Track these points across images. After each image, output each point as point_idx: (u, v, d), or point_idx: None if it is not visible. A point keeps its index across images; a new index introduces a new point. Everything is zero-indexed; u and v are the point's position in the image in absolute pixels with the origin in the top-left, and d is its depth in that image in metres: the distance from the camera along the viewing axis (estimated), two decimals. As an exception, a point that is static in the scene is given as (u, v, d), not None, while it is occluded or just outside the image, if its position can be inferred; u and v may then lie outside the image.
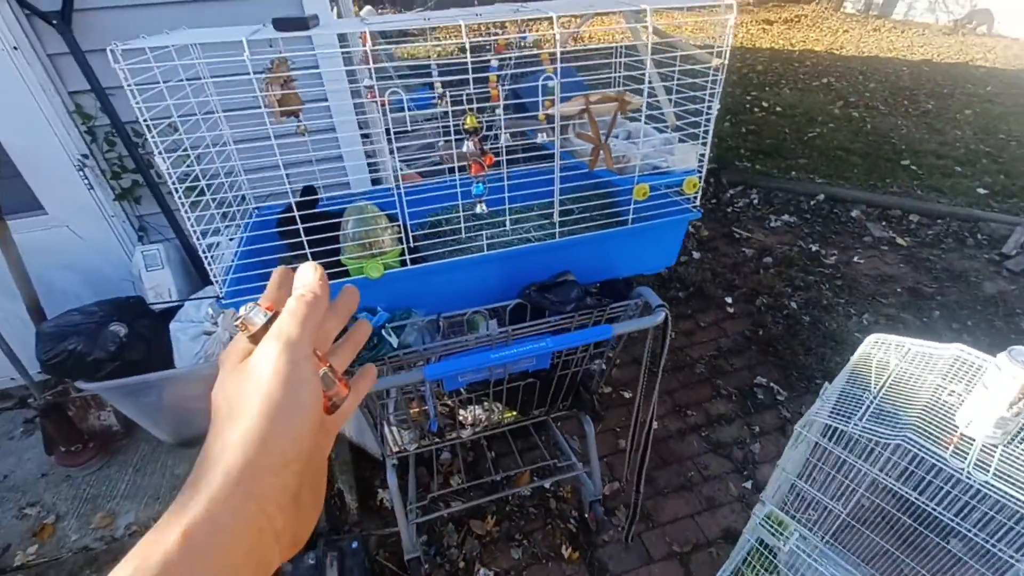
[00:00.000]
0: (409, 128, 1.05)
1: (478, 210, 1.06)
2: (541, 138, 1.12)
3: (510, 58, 1.13)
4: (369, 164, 2.02)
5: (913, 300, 3.00)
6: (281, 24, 0.85)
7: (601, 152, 1.08)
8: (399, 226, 1.18)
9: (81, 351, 1.65)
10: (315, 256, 1.30)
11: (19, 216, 1.82)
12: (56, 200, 1.84)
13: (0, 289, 1.91)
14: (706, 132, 1.18)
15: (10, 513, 1.85)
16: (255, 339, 0.32)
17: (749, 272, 3.26)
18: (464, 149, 0.99)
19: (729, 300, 3.03)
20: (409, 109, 1.04)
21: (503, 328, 1.17)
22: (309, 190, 1.30)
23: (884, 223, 3.72)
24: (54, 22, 1.54)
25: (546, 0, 1.13)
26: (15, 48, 1.58)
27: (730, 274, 3.25)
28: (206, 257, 1.04)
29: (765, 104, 5.85)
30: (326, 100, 1.77)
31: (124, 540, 1.75)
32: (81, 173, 1.81)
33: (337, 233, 1.19)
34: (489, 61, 1.04)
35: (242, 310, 0.32)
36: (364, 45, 1.15)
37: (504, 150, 1.10)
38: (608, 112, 1.08)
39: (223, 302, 1.03)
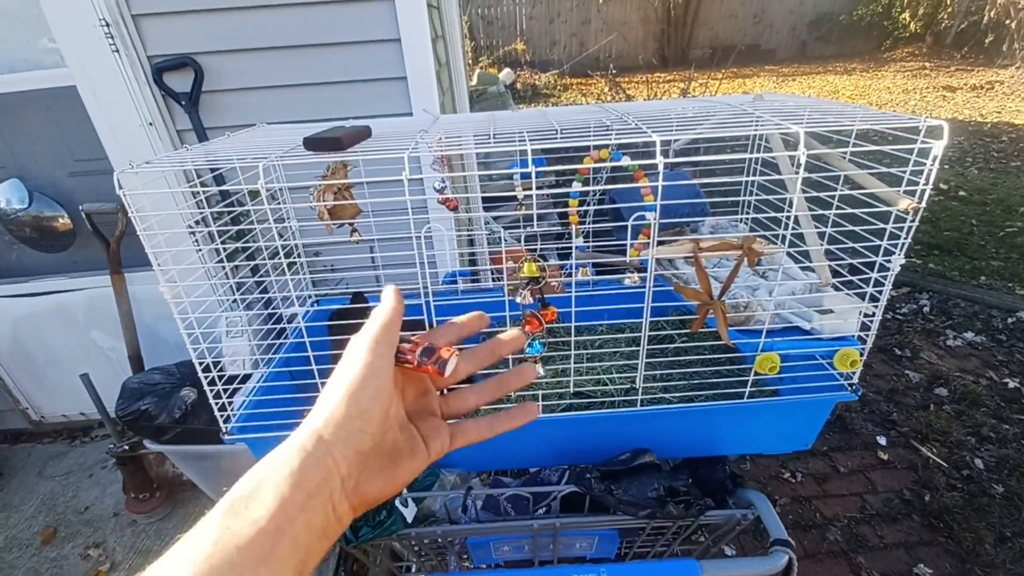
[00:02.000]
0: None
1: (530, 372, 0.80)
2: (628, 281, 0.85)
3: (600, 176, 0.88)
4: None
5: None
6: (312, 144, 0.70)
7: (711, 311, 0.78)
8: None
9: (152, 412, 1.66)
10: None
11: (137, 270, 1.96)
12: (168, 258, 1.94)
13: (115, 332, 2.06)
14: (879, 291, 0.82)
15: (78, 550, 1.91)
16: None
17: (913, 406, 2.55)
18: (518, 299, 0.76)
19: (882, 441, 2.37)
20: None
21: (547, 518, 0.89)
22: (358, 297, 1.15)
23: (1124, 362, 2.75)
24: (183, 103, 1.65)
25: (661, 107, 0.89)
26: (150, 124, 1.71)
27: (885, 404, 2.58)
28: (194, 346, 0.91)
29: (944, 186, 4.91)
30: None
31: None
32: (192, 237, 1.90)
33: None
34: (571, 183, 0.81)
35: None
36: (443, 164, 0.98)
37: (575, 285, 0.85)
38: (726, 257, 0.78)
39: (227, 438, 0.89)
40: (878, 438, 2.39)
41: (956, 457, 2.25)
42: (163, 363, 1.95)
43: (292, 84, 1.72)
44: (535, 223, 0.73)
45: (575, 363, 1.02)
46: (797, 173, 0.73)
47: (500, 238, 2.42)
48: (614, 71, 10.35)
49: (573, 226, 0.84)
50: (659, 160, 0.68)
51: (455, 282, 1.49)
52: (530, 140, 0.71)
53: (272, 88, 1.71)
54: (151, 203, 0.80)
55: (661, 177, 0.69)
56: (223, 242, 1.00)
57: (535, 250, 0.74)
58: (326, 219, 1.00)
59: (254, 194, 1.20)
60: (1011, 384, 2.63)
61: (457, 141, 0.77)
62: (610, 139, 0.77)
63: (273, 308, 1.17)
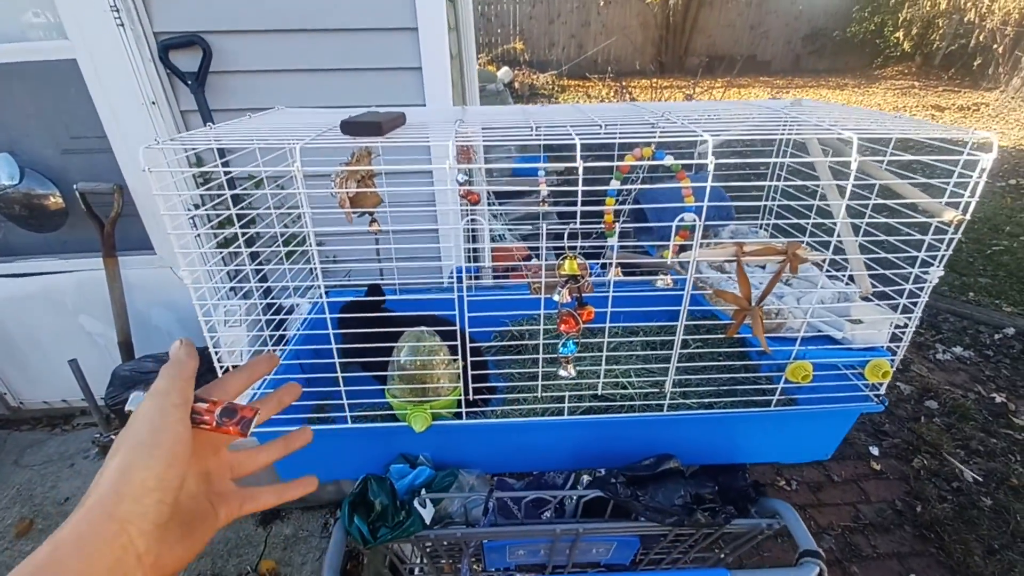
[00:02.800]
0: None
1: (563, 373, 0.79)
2: (661, 282, 0.83)
3: (636, 175, 0.86)
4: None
5: None
6: (351, 128, 0.67)
7: (748, 317, 0.77)
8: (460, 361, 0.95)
9: (144, 402, 1.61)
10: (372, 366, 1.11)
11: (131, 253, 1.90)
12: (165, 242, 1.89)
13: (103, 317, 1.99)
14: (914, 302, 0.82)
15: (58, 543, 1.84)
16: None
17: (904, 417, 2.59)
18: (556, 297, 0.73)
19: (875, 452, 2.40)
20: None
21: (570, 522, 0.87)
22: (375, 290, 1.12)
23: (1106, 381, 2.82)
24: (189, 83, 1.59)
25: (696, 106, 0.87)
26: (153, 103, 1.65)
27: (878, 415, 2.61)
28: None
29: (933, 203, 5.00)
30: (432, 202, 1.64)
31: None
32: (191, 221, 1.84)
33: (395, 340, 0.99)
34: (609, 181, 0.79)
35: (132, 396, 0.42)
36: (464, 158, 0.96)
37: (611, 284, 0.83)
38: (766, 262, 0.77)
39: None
40: (871, 448, 2.42)
41: (946, 470, 2.29)
42: (154, 351, 1.89)
43: (303, 69, 1.67)
44: (578, 220, 0.71)
45: (592, 365, 1.00)
46: (839, 180, 0.72)
47: (510, 235, 2.39)
48: (612, 74, 10.38)
49: (610, 225, 0.82)
50: (710, 160, 0.66)
51: (462, 279, 1.46)
52: (577, 135, 0.68)
53: (282, 72, 1.67)
54: (166, 184, 0.76)
55: (711, 178, 0.68)
56: (241, 227, 0.96)
57: (574, 247, 0.71)
58: (347, 207, 0.97)
59: (270, 179, 1.16)
60: (998, 399, 2.68)
61: (500, 133, 0.74)
62: (655, 136, 0.75)
63: (286, 297, 1.13)
